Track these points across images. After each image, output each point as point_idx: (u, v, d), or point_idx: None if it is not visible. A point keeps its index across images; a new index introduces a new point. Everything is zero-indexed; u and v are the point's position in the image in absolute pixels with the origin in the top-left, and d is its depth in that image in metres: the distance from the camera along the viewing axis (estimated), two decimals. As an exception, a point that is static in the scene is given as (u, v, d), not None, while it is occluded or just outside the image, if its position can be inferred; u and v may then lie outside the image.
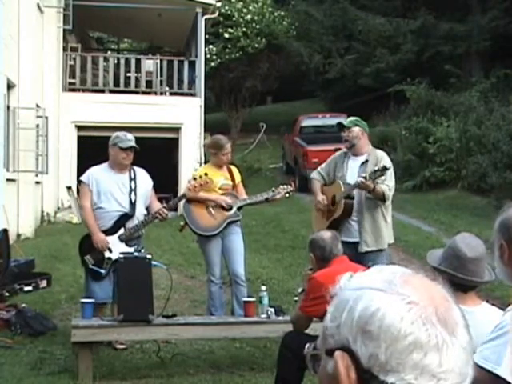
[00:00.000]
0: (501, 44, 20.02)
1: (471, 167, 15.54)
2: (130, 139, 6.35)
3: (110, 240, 6.28)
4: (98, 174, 6.41)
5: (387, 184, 6.08)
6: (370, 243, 6.14)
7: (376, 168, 5.89)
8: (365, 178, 5.85)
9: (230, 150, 6.96)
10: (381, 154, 6.33)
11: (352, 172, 6.20)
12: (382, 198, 6.06)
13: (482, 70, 20.63)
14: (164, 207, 6.40)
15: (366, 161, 6.21)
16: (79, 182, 6.62)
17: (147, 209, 6.45)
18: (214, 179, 6.90)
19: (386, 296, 0.91)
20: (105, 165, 6.50)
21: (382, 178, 5.94)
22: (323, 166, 6.57)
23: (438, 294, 0.92)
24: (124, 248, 6.25)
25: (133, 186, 6.36)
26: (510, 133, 14.97)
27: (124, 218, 6.32)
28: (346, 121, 6.46)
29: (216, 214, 6.82)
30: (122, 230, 6.31)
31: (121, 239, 6.31)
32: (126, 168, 6.40)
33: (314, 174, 6.56)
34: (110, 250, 6.27)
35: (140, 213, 6.37)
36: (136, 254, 5.89)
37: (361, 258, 5.90)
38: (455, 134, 16.43)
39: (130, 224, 6.32)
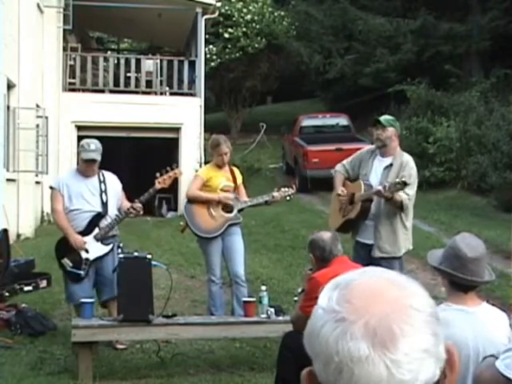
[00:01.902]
0: (501, 44, 20.02)
1: (471, 167, 15.55)
2: (92, 150, 6.36)
3: (85, 240, 6.32)
4: (68, 179, 6.54)
5: (407, 193, 5.86)
6: (383, 249, 5.96)
7: (397, 180, 5.65)
8: (384, 187, 5.65)
9: (226, 151, 6.89)
10: (406, 158, 6.07)
11: (376, 173, 6.01)
12: (400, 207, 5.88)
13: (482, 70, 20.62)
14: (136, 202, 6.40)
15: (391, 164, 5.99)
16: (50, 187, 6.66)
17: (119, 210, 6.49)
18: (215, 180, 6.90)
19: (323, 315, 0.92)
20: (74, 170, 6.70)
21: (400, 192, 5.74)
22: (349, 159, 6.32)
23: (379, 303, 0.89)
24: (100, 247, 6.33)
25: (103, 188, 6.43)
26: (510, 133, 14.98)
27: (97, 218, 6.37)
28: (382, 118, 6.10)
29: (217, 215, 6.82)
30: (96, 230, 6.35)
31: (96, 238, 6.35)
32: (93, 173, 6.46)
33: (338, 167, 6.31)
34: (87, 251, 6.31)
35: (112, 212, 6.42)
36: (136, 253, 5.90)
37: (373, 262, 5.79)
38: (455, 134, 16.43)
39: (104, 223, 6.37)
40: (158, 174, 6.55)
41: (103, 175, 6.52)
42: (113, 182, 6.56)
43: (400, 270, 5.94)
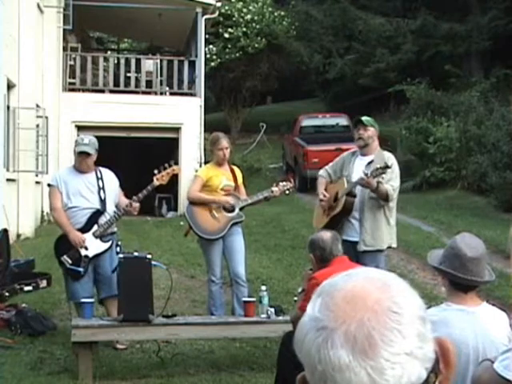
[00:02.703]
0: (501, 44, 20.03)
1: (471, 167, 15.55)
2: (85, 143, 6.36)
3: (85, 237, 6.31)
4: (65, 176, 6.50)
5: (391, 184, 6.03)
6: (368, 243, 6.09)
7: (378, 166, 5.86)
8: (366, 174, 5.82)
9: (226, 146, 6.92)
10: (387, 154, 6.26)
11: (357, 171, 6.15)
12: (386, 198, 6.01)
13: (482, 70, 20.64)
14: (134, 200, 6.39)
15: (372, 161, 6.15)
16: (48, 185, 6.65)
17: (116, 206, 6.48)
18: (215, 179, 6.89)
19: (307, 323, 0.91)
20: (70, 167, 6.63)
21: (384, 175, 5.89)
22: (331, 164, 6.51)
23: (359, 309, 0.88)
24: (99, 244, 6.33)
25: (101, 185, 6.42)
26: (510, 133, 14.97)
27: (96, 215, 6.36)
28: (363, 118, 6.28)
29: (219, 216, 6.80)
30: (95, 227, 6.34)
31: (95, 236, 6.34)
32: (90, 169, 6.44)
33: (321, 172, 6.52)
34: (86, 248, 6.30)
35: (110, 209, 6.41)
36: (136, 253, 5.90)
37: (359, 258, 5.91)
38: (455, 134, 16.43)
39: (103, 220, 6.36)
40: (156, 171, 6.56)
41: (100, 172, 6.49)
42: (110, 179, 6.54)
43: (384, 263, 6.17)
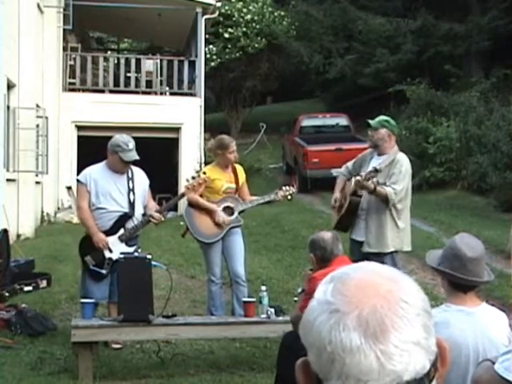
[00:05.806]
0: (501, 44, 20.01)
1: (471, 167, 15.55)
2: (131, 149, 6.27)
3: (110, 240, 6.27)
4: (96, 174, 6.37)
5: (394, 187, 5.97)
6: (372, 244, 6.06)
7: (371, 169, 5.85)
8: (361, 176, 5.80)
9: (235, 149, 6.96)
10: (399, 157, 6.17)
11: None
12: (386, 200, 5.97)
13: (482, 70, 20.63)
14: (157, 211, 6.38)
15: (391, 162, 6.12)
16: (77, 181, 6.60)
17: (144, 208, 6.44)
18: (218, 182, 6.87)
19: (317, 306, 0.94)
20: (102, 164, 6.45)
21: (375, 179, 5.83)
22: (353, 160, 6.48)
23: (372, 296, 0.91)
24: (124, 248, 6.26)
25: (131, 186, 6.34)
26: (510, 133, 14.97)
27: (123, 219, 6.30)
28: (372, 121, 6.25)
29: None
30: (121, 231, 6.30)
31: (121, 239, 6.30)
32: (126, 171, 6.40)
33: (342, 169, 6.50)
34: (111, 250, 6.27)
35: (139, 212, 6.36)
36: (136, 254, 5.89)
37: (366, 259, 5.89)
38: (455, 134, 16.44)
39: (130, 224, 6.31)
40: (186, 181, 6.53)
41: (132, 172, 6.42)
42: (140, 180, 6.46)
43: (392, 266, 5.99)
